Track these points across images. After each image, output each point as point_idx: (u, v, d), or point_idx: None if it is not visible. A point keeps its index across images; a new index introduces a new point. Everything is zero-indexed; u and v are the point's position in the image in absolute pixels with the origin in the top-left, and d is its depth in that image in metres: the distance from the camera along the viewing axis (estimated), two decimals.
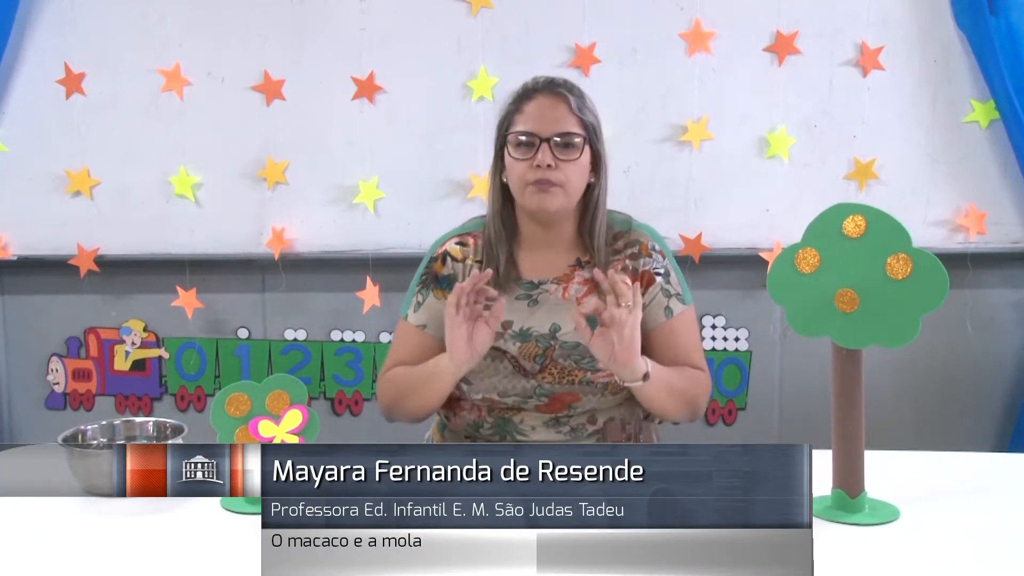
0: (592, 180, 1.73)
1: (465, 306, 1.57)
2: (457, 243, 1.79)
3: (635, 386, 1.59)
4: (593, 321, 1.66)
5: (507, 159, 1.71)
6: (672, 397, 1.67)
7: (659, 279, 1.74)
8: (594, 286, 1.72)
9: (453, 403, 1.78)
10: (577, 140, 1.67)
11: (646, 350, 1.76)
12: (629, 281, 1.58)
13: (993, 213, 2.56)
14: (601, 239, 1.73)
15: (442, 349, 1.77)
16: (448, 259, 1.77)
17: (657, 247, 1.77)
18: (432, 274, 1.78)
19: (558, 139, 1.66)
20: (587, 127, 1.69)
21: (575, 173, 1.68)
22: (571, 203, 1.71)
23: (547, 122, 1.67)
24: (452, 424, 1.79)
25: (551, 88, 1.71)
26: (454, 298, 1.57)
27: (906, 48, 2.52)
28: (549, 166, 1.65)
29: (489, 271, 1.62)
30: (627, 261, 1.74)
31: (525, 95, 1.71)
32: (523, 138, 1.67)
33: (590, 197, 1.73)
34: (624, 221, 1.79)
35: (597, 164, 1.72)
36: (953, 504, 1.39)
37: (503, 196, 1.75)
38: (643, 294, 1.72)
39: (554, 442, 1.71)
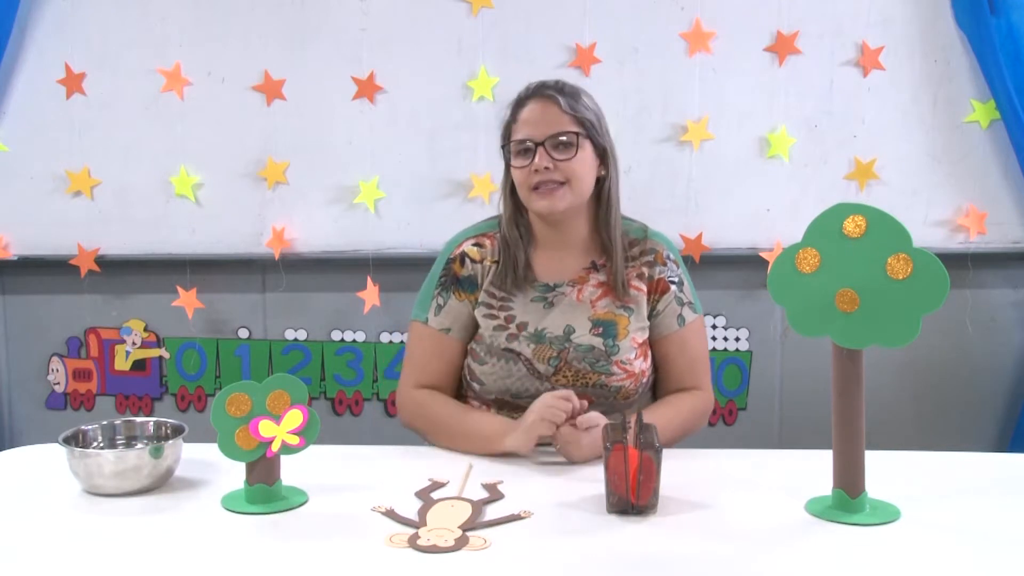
0: (602, 173, 1.74)
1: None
2: (474, 244, 1.79)
3: None
4: (606, 330, 1.67)
5: (512, 168, 1.72)
6: (671, 440, 1.70)
7: (673, 287, 1.76)
8: (608, 289, 1.73)
9: (465, 402, 1.78)
10: (570, 138, 1.68)
11: (658, 358, 1.78)
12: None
13: (994, 213, 2.56)
14: (617, 233, 1.74)
15: (462, 350, 1.76)
16: (467, 260, 1.77)
17: (672, 256, 1.79)
18: (452, 275, 1.77)
19: (552, 140, 1.67)
20: (583, 123, 1.70)
21: (575, 169, 1.69)
22: (580, 199, 1.72)
23: (540, 126, 1.68)
24: None
25: (541, 92, 1.72)
26: (561, 411, 1.55)
27: (907, 48, 2.52)
28: (547, 168, 1.67)
29: (584, 403, 1.59)
30: (643, 268, 1.75)
31: (518, 103, 1.74)
32: (520, 146, 1.70)
33: (602, 190, 1.75)
34: (640, 229, 1.81)
35: (605, 156, 1.73)
36: (953, 504, 1.39)
37: (515, 202, 1.77)
38: (657, 302, 1.74)
39: None
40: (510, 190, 1.76)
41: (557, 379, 1.69)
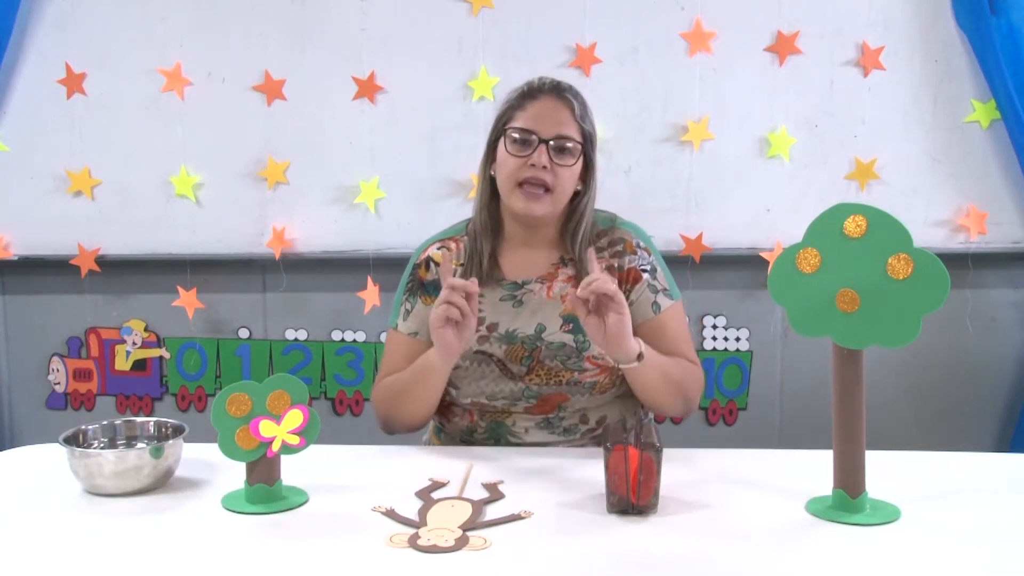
0: (580, 188, 1.73)
1: (455, 304, 1.54)
2: (439, 248, 1.79)
3: (631, 368, 1.58)
4: (576, 326, 1.67)
5: (500, 154, 1.71)
6: (667, 386, 1.66)
7: (645, 275, 1.74)
8: (577, 283, 1.72)
9: (445, 409, 1.79)
10: (575, 146, 1.68)
11: None
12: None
13: (994, 213, 2.56)
14: (583, 246, 1.73)
15: None
16: (431, 265, 1.78)
17: (642, 244, 1.77)
18: (417, 281, 1.79)
19: (557, 142, 1.66)
20: (585, 136, 1.70)
21: (567, 179, 1.69)
22: (557, 209, 1.71)
23: (549, 123, 1.67)
24: (447, 429, 1.80)
25: (557, 92, 1.71)
26: (445, 295, 1.54)
27: (907, 48, 2.53)
28: (544, 167, 1.65)
29: (474, 281, 1.57)
30: (612, 260, 1.74)
31: (530, 94, 1.72)
32: (523, 135, 1.67)
33: (576, 205, 1.74)
34: (608, 219, 1.80)
35: (587, 173, 1.73)
36: (953, 504, 1.39)
37: (491, 190, 1.76)
38: (630, 291, 1.72)
39: (548, 443, 1.71)
40: (489, 177, 1.75)
41: (530, 379, 1.69)
